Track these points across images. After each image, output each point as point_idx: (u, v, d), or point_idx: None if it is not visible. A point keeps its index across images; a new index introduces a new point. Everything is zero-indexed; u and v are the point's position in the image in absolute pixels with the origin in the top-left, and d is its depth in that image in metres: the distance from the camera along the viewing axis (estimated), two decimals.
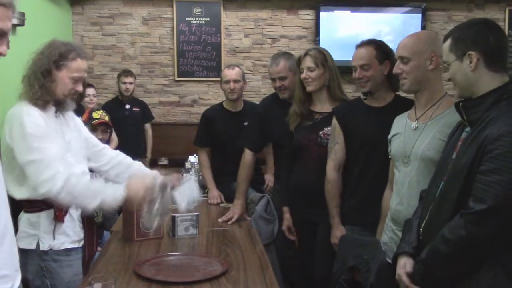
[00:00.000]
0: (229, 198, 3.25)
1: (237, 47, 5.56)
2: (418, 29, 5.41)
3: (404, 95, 2.51)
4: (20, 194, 2.08)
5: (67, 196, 1.97)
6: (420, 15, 5.54)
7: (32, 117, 2.05)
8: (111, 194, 2.01)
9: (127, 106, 5.01)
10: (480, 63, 1.63)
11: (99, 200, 1.99)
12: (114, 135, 4.34)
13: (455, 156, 1.68)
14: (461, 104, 1.69)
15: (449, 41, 1.71)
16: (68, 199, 1.99)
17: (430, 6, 5.59)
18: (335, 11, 5.49)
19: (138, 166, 2.46)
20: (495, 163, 1.51)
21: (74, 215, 2.24)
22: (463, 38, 1.67)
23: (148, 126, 5.18)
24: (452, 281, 1.61)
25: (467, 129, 1.70)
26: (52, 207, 2.13)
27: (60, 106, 2.17)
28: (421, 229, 1.76)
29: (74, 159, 2.20)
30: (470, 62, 1.64)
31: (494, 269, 1.53)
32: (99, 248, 2.61)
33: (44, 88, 2.09)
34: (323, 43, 5.32)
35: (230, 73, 3.52)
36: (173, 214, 2.56)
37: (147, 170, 2.44)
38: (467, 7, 5.67)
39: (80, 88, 2.17)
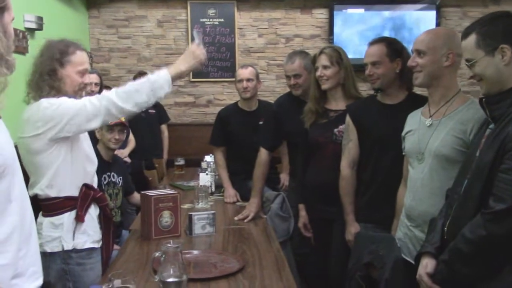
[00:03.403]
0: (245, 196, 3.28)
1: (251, 47, 5.60)
2: (433, 26, 5.38)
3: (418, 92, 2.53)
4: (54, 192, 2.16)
5: (123, 99, 2.07)
6: (434, 12, 5.51)
7: (51, 98, 2.11)
8: (155, 78, 2.10)
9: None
10: None
11: (149, 86, 2.08)
12: (131, 137, 4.40)
13: (479, 153, 1.66)
14: (484, 99, 1.67)
15: (473, 37, 1.66)
16: (126, 101, 2.07)
17: (444, 3, 5.56)
18: (348, 10, 5.49)
19: None
20: None
21: (93, 215, 2.29)
22: (492, 33, 1.63)
23: (164, 127, 5.23)
24: (474, 281, 1.60)
25: (491, 125, 1.67)
26: (74, 208, 2.18)
27: None
28: (446, 228, 1.74)
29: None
30: (503, 56, 1.60)
31: None
32: (116, 247, 2.66)
33: (54, 88, 2.13)
34: (337, 42, 5.34)
35: (244, 72, 3.56)
36: (190, 213, 2.61)
37: None
38: (482, 2, 5.63)
39: (86, 80, 2.23)
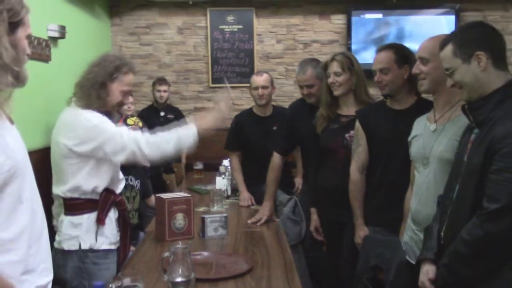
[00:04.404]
0: (260, 200, 3.32)
1: (269, 53, 5.65)
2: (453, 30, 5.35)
3: (426, 97, 2.55)
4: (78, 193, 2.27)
5: (151, 148, 2.20)
6: (454, 16, 5.47)
7: (92, 113, 2.24)
8: (184, 132, 2.27)
9: (162, 113, 5.16)
10: (488, 62, 1.66)
11: (177, 138, 2.24)
12: None
13: (467, 158, 1.71)
14: (466, 106, 1.72)
15: (450, 47, 1.73)
16: (153, 150, 2.22)
17: (464, 7, 5.50)
18: (366, 15, 5.51)
19: None
20: (504, 161, 1.54)
21: (112, 218, 2.38)
22: (467, 41, 1.70)
23: None
24: (475, 283, 1.63)
25: (476, 130, 1.72)
26: (94, 210, 2.28)
27: (108, 117, 2.30)
28: (442, 233, 1.78)
29: None
30: (479, 62, 1.67)
31: None
32: (133, 248, 2.74)
33: (100, 98, 2.25)
34: (355, 47, 5.36)
35: (259, 80, 3.62)
36: (203, 216, 2.68)
37: None
38: (502, 6, 5.56)
39: (127, 100, 2.35)
